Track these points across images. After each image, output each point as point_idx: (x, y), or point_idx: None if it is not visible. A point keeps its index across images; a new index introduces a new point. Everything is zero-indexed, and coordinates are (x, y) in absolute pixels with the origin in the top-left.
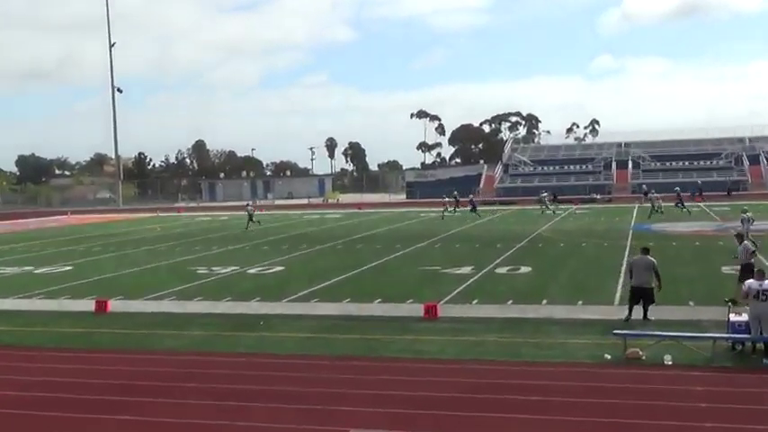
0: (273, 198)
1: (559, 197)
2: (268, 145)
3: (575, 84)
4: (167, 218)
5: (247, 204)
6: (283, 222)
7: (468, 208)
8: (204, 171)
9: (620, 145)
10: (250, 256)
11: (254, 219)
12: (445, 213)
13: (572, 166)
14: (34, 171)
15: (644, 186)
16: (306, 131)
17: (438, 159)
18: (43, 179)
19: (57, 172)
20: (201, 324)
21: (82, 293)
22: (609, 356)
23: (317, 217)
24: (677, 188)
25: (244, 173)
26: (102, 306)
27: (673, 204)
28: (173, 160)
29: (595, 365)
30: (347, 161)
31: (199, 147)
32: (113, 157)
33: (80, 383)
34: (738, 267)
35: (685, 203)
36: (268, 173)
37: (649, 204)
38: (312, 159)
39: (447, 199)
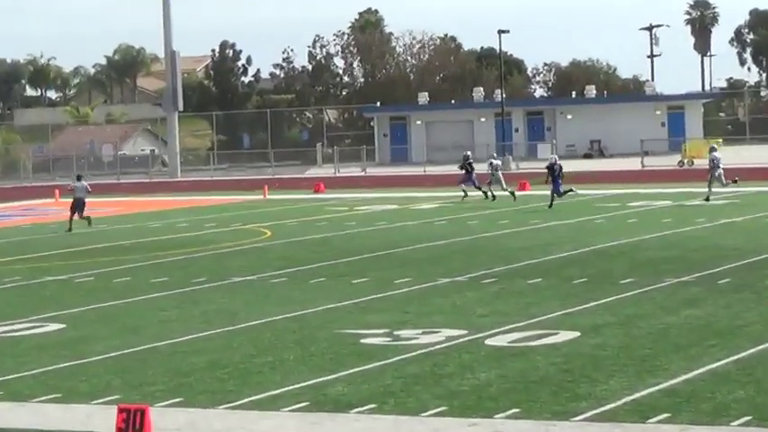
0: (554, 153)
1: None
2: (532, 27)
3: None
4: (287, 203)
5: (78, 178)
6: (579, 217)
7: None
8: (377, 89)
9: None
10: (465, 303)
11: (84, 214)
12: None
13: None
14: None
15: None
16: None
17: None
18: (1, 109)
19: (28, 93)
20: None
21: (88, 389)
22: None
23: (667, 205)
24: None
25: (478, 92)
26: (133, 422)
27: None
28: (303, 64)
29: None
30: (743, 63)
31: (367, 28)
32: (161, 56)
33: None
34: None
35: None
36: (539, 92)
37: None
38: (652, 58)
39: (494, 162)
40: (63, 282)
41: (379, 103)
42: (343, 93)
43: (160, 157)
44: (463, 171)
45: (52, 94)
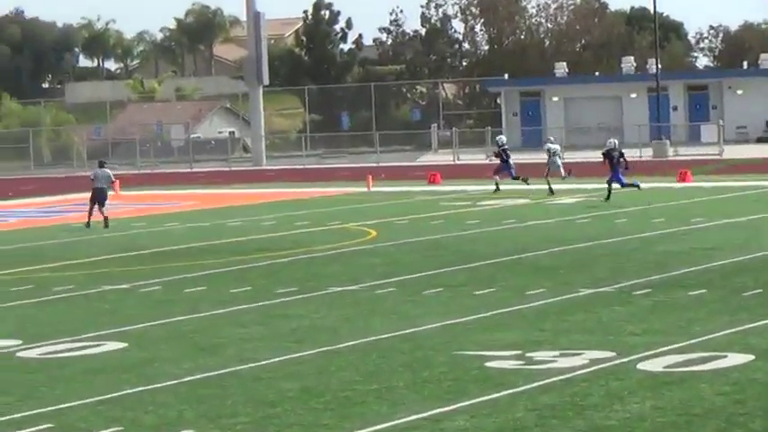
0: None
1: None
2: None
3: None
4: (396, 197)
5: (101, 165)
6: (752, 214)
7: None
8: (505, 59)
9: None
10: (613, 319)
11: (104, 214)
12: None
13: None
14: (22, 59)
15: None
16: None
17: None
18: (46, 81)
19: (82, 63)
20: None
21: (155, 421)
22: None
23: None
24: None
25: (628, 62)
26: None
27: None
28: (415, 28)
29: None
30: None
31: None
32: (243, 18)
33: None
34: None
35: None
36: (703, 62)
37: None
38: None
39: (551, 146)
40: (124, 291)
41: (506, 76)
42: (464, 63)
43: (241, 140)
44: (497, 160)
45: (111, 65)
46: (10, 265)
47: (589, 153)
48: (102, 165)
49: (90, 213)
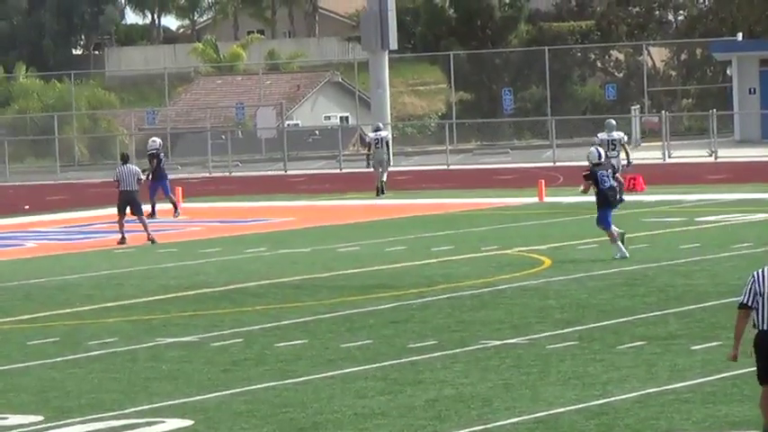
0: None
1: None
2: None
3: None
4: (580, 210)
5: (124, 159)
6: None
7: None
8: (734, 13)
9: None
10: None
11: (146, 227)
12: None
13: None
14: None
15: None
16: None
17: None
18: (78, 46)
19: (130, 19)
20: None
21: None
22: None
23: None
24: None
25: None
26: None
27: None
28: None
29: None
30: None
31: None
32: None
33: None
34: None
35: None
36: None
37: None
38: None
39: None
40: (188, 346)
41: (740, 36)
42: (679, 18)
43: (357, 130)
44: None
45: (171, 23)
46: (27, 308)
47: None
48: (125, 160)
49: (121, 226)
